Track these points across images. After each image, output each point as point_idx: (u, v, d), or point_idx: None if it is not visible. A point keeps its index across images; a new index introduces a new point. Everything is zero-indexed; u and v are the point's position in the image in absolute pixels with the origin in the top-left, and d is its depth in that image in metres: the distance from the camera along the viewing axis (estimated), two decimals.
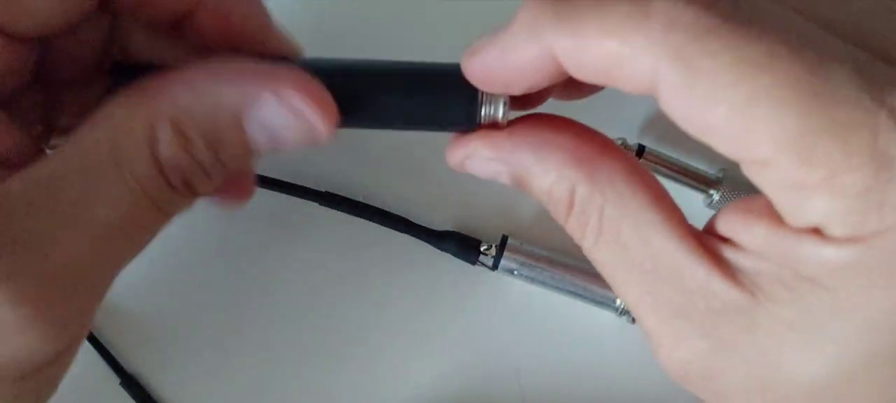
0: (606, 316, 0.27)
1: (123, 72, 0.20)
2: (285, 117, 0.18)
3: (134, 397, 0.27)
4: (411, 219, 0.27)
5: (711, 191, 0.27)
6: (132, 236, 0.19)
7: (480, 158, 0.19)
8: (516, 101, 0.20)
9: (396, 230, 0.27)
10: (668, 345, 0.18)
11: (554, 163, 0.18)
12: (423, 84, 0.19)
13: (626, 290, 0.18)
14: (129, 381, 0.27)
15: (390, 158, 0.28)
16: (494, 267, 0.27)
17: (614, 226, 0.18)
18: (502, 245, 0.27)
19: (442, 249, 0.27)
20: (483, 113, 0.19)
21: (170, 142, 0.18)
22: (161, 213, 0.19)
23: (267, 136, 0.18)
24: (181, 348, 0.27)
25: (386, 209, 0.28)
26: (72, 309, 0.18)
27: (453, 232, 0.27)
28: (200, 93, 0.18)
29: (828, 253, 0.15)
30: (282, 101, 0.18)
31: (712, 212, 0.26)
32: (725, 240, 0.17)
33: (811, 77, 0.14)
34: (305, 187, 0.28)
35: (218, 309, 0.28)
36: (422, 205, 0.28)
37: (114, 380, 0.27)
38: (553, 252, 0.27)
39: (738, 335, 0.17)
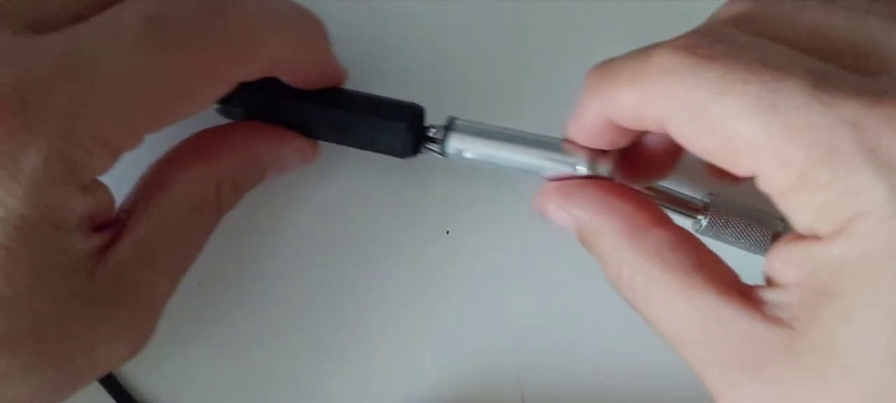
0: (607, 316, 0.27)
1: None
2: (294, 162, 0.25)
3: (112, 394, 0.26)
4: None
5: (699, 217, 0.27)
6: (190, 265, 0.24)
7: (555, 206, 0.22)
8: (633, 171, 0.23)
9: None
10: (728, 395, 0.19)
11: (607, 227, 0.21)
12: (374, 112, 0.24)
13: (682, 348, 0.19)
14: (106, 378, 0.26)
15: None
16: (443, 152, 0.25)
17: (662, 290, 0.20)
18: (449, 127, 0.24)
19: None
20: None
21: (229, 196, 0.24)
22: (207, 240, 0.24)
23: (275, 173, 0.25)
24: (171, 344, 0.27)
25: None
26: (152, 329, 0.23)
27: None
28: (249, 157, 0.24)
29: (824, 254, 0.17)
30: (295, 154, 0.25)
31: (700, 239, 0.26)
32: (770, 283, 0.18)
33: (767, 92, 0.16)
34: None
35: (213, 306, 0.28)
36: None
37: None
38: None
39: (786, 374, 0.17)
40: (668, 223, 0.21)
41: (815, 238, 0.17)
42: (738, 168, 0.18)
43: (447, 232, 0.28)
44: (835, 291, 0.16)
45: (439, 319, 0.28)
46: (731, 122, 0.17)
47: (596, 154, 0.22)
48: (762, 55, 0.17)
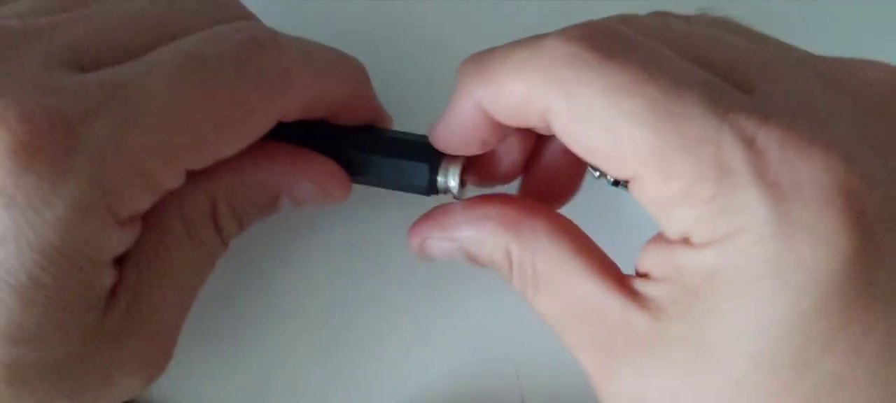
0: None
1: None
2: (315, 194, 0.23)
3: None
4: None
5: None
6: (199, 286, 0.23)
7: (434, 239, 0.22)
8: (483, 175, 0.23)
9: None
10: (604, 381, 0.19)
11: (488, 230, 0.21)
12: (396, 151, 0.23)
13: (565, 335, 0.20)
14: None
15: None
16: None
17: (547, 278, 0.20)
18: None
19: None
20: (440, 180, 0.22)
21: (226, 216, 0.22)
22: (214, 264, 0.23)
23: (293, 204, 0.24)
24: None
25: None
26: (169, 354, 0.22)
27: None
28: (249, 180, 0.22)
29: (696, 259, 0.17)
30: (315, 185, 0.23)
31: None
32: (642, 275, 0.19)
33: (665, 99, 0.16)
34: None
35: (212, 306, 0.27)
36: None
37: None
38: None
39: (654, 361, 0.18)
40: (545, 212, 0.20)
41: (684, 242, 0.17)
42: (620, 171, 0.17)
43: None
44: (704, 293, 0.17)
45: (440, 319, 0.28)
46: (622, 125, 0.16)
47: (447, 159, 0.22)
48: (661, 60, 0.17)
